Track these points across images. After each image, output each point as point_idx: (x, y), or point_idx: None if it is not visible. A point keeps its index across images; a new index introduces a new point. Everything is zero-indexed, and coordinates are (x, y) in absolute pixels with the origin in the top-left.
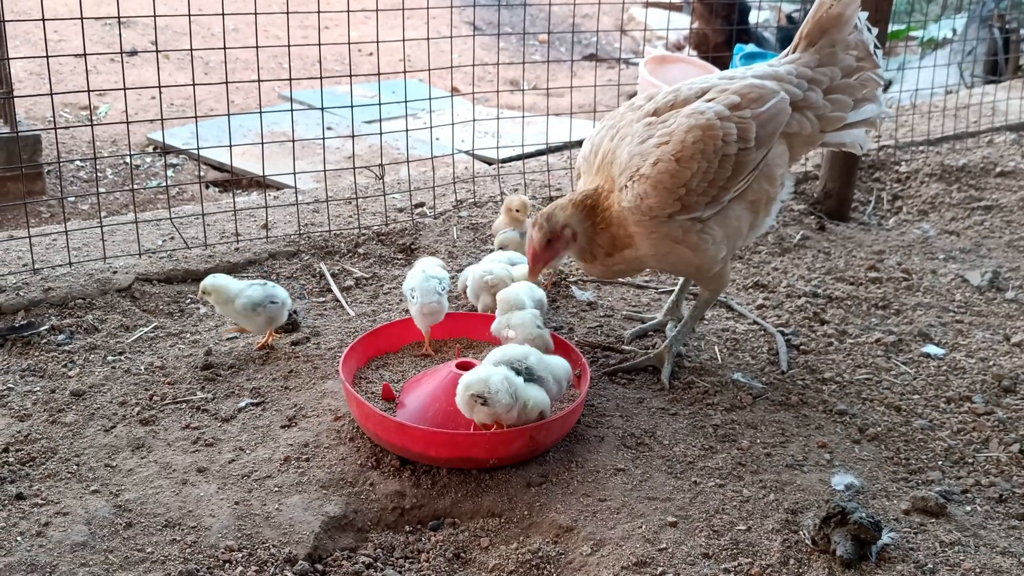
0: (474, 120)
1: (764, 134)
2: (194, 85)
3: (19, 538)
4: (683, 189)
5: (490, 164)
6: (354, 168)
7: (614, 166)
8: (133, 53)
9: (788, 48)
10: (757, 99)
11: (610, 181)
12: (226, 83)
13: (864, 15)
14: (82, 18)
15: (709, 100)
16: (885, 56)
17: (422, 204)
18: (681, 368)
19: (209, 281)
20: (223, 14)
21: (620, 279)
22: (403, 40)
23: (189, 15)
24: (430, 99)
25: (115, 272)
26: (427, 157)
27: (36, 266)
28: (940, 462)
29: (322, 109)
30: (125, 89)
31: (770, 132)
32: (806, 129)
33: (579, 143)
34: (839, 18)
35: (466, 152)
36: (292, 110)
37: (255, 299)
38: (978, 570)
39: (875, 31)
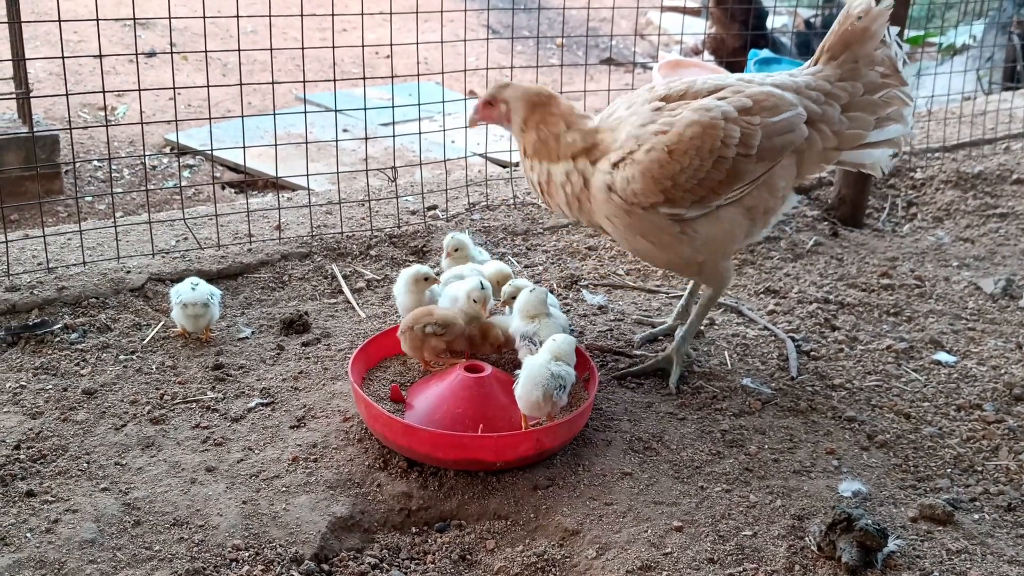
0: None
1: (770, 146)
2: (208, 87)
3: (28, 534)
4: (669, 182)
5: (504, 167)
6: (367, 170)
7: (617, 131)
8: (152, 54)
9: (810, 60)
10: (771, 108)
11: (605, 133)
12: (240, 84)
13: (895, 30)
14: (97, 19)
15: (721, 98)
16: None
17: (435, 207)
18: (690, 373)
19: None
20: (238, 16)
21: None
22: (417, 43)
23: (204, 17)
24: (444, 101)
25: (128, 272)
26: (441, 160)
27: (51, 265)
28: (949, 470)
29: (335, 111)
30: (140, 90)
31: (778, 146)
32: (818, 145)
33: None
34: (864, 32)
35: (480, 155)
36: (306, 112)
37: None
38: None
39: (905, 47)
